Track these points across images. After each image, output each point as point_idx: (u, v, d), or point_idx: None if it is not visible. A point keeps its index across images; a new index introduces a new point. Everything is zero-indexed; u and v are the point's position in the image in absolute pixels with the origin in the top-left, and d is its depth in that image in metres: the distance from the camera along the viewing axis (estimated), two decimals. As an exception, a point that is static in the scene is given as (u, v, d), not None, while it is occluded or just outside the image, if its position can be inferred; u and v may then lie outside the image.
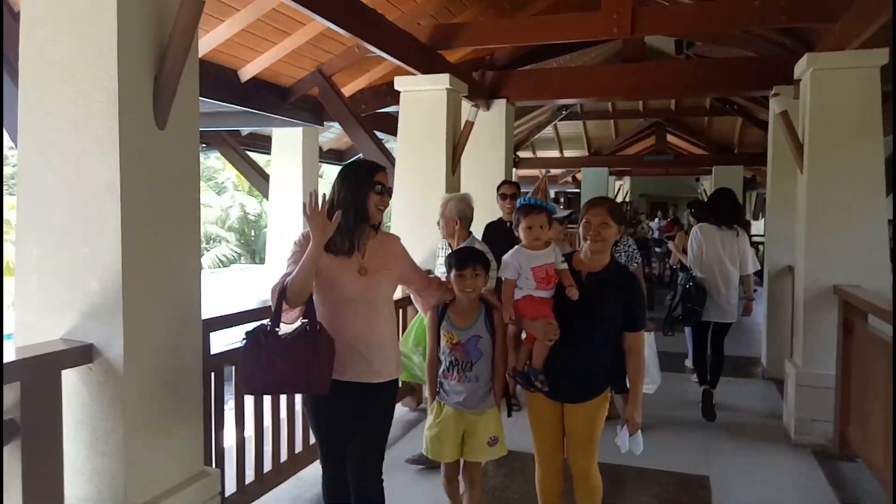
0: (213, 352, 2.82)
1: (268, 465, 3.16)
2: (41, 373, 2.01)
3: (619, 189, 18.43)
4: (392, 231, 5.18)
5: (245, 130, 8.08)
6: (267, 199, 7.52)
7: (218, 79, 4.83)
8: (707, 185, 15.34)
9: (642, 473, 3.68)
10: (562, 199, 10.08)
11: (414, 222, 5.00)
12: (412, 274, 2.59)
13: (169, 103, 2.26)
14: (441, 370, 2.69)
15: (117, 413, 2.17)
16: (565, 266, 2.57)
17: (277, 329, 2.19)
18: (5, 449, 1.92)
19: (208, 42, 4.39)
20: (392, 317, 2.50)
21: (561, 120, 12.82)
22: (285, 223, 7.18)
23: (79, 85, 2.14)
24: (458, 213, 3.70)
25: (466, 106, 5.33)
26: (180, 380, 2.40)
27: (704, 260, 4.72)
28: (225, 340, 3.16)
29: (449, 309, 2.66)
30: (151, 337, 2.25)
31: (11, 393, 1.94)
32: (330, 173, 18.33)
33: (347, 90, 6.03)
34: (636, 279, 2.65)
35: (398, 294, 3.78)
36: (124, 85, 2.11)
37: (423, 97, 5.04)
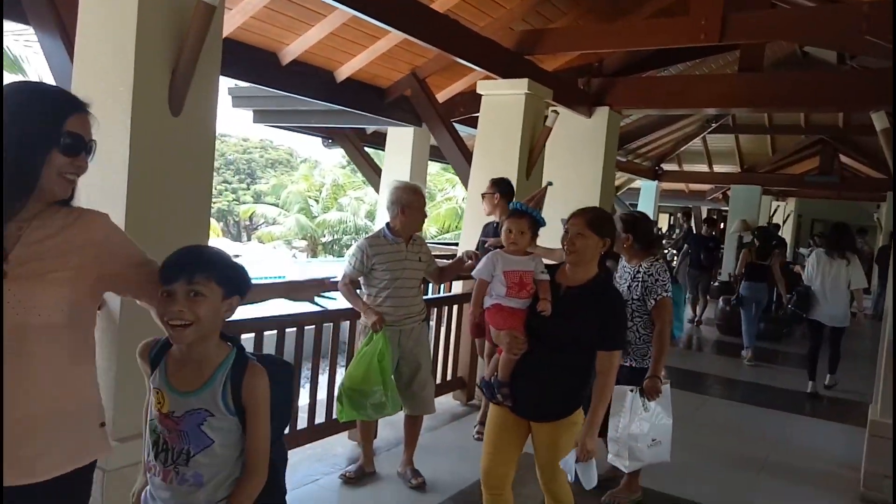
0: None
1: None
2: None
3: (774, 210, 16.91)
4: (462, 237, 5.35)
5: (370, 129, 8.62)
6: (377, 193, 7.98)
7: (313, 78, 5.26)
8: (884, 212, 13.68)
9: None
10: (706, 223, 9.84)
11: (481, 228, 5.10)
12: (132, 274, 1.54)
13: (183, 93, 2.59)
14: (144, 453, 1.63)
15: (112, 355, 2.54)
16: (546, 277, 2.47)
17: None
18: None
19: (300, 45, 4.82)
20: (82, 357, 1.49)
21: (710, 132, 12.10)
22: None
23: (109, 78, 2.54)
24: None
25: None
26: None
27: (815, 278, 6.08)
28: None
29: (168, 355, 1.61)
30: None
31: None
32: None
33: (444, 94, 6.24)
34: (616, 294, 2.51)
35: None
36: (140, 77, 2.47)
37: (501, 101, 5.11)
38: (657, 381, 3.18)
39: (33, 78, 9.18)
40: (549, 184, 2.70)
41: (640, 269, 3.31)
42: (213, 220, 29.02)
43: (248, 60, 4.72)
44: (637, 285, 3.29)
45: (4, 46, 9.59)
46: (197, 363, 1.56)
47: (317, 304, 2.08)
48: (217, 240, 29.05)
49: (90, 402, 1.53)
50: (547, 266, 2.56)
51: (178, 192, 2.67)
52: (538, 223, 2.56)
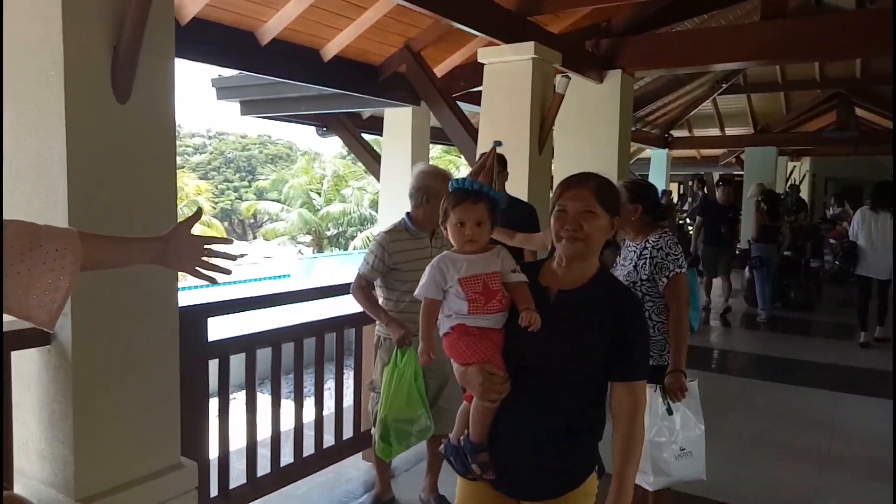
0: (215, 338, 2.73)
1: (264, 470, 2.99)
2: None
3: (791, 171, 16.32)
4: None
5: (366, 114, 8.14)
6: (378, 181, 7.51)
7: (296, 59, 4.78)
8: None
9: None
10: (720, 184, 8.44)
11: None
12: None
13: (130, 75, 2.13)
14: None
15: (69, 398, 2.10)
16: (522, 279, 1.68)
17: None
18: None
19: (279, 21, 4.33)
20: None
21: (721, 94, 11.54)
22: (394, 204, 7.11)
23: (38, 61, 2.07)
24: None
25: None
26: (148, 367, 2.29)
27: (861, 234, 6.49)
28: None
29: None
30: (106, 324, 2.15)
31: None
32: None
33: (442, 68, 5.75)
34: (632, 297, 1.80)
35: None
36: (71, 55, 2.00)
37: (506, 69, 4.62)
38: (681, 377, 2.64)
39: None
40: (497, 143, 1.85)
41: (648, 244, 2.76)
42: (216, 220, 28.86)
43: (224, 42, 4.24)
44: (644, 263, 2.74)
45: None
46: None
47: (203, 277, 1.49)
48: (222, 240, 28.71)
49: None
50: (522, 265, 1.77)
51: (134, 193, 2.21)
52: (498, 205, 1.73)
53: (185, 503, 2.42)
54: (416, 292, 1.71)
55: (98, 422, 2.16)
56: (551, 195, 1.73)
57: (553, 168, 5.32)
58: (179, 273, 1.67)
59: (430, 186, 2.86)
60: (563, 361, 1.63)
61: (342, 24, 4.70)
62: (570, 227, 1.63)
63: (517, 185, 4.51)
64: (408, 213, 2.95)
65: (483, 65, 4.78)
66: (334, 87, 5.24)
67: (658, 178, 13.12)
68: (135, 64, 2.12)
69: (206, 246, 1.47)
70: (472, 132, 5.06)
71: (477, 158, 3.28)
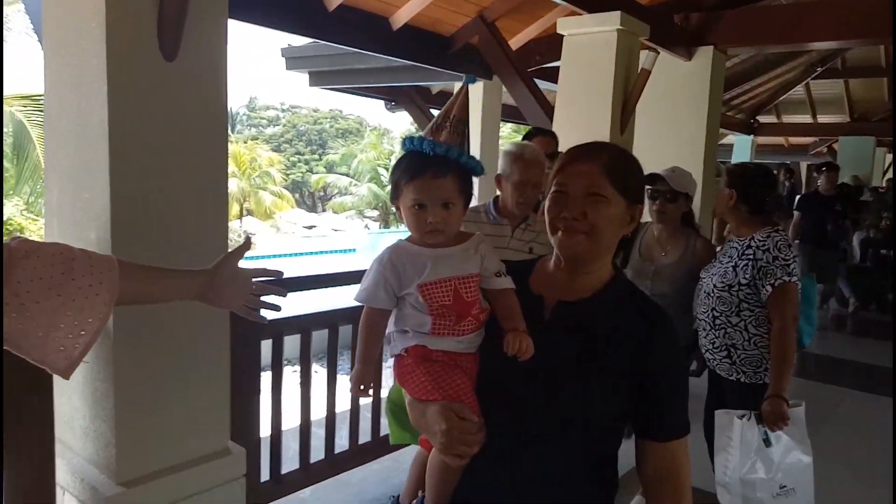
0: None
1: (318, 455, 2.86)
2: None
3: (889, 165, 15.12)
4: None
5: (435, 88, 7.89)
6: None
7: (364, 26, 4.55)
8: None
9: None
10: (824, 169, 7.20)
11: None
12: None
13: (178, 30, 1.95)
14: None
15: (110, 377, 1.98)
16: (508, 284, 1.24)
17: None
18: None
19: (348, -15, 4.13)
20: None
21: (815, 78, 10.72)
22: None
23: (79, 9, 1.91)
24: None
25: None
26: (196, 349, 2.15)
27: None
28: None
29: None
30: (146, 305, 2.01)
31: None
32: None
33: (517, 40, 5.42)
34: (668, 321, 1.25)
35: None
36: (114, 7, 1.83)
37: (588, 41, 4.27)
38: (782, 404, 2.26)
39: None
40: (470, 80, 1.31)
41: (753, 243, 2.40)
42: (287, 191, 29.38)
43: (289, 5, 4.06)
44: (746, 265, 2.37)
45: None
46: None
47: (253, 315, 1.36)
48: (292, 211, 29.38)
49: None
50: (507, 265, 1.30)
51: (181, 159, 2.04)
52: (471, 175, 1.25)
53: (233, 491, 2.29)
54: (355, 296, 1.24)
55: (140, 404, 2.03)
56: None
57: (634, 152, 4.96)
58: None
59: (500, 165, 2.58)
60: (559, 405, 1.16)
61: (414, -11, 4.46)
62: (570, 215, 1.19)
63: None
64: (497, 196, 2.67)
65: (562, 37, 4.44)
66: (403, 57, 5.00)
67: (740, 166, 12.37)
68: (183, 18, 1.94)
69: (254, 280, 1.32)
70: (549, 109, 4.74)
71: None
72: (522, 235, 2.57)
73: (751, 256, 2.38)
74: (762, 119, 12.51)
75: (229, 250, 1.30)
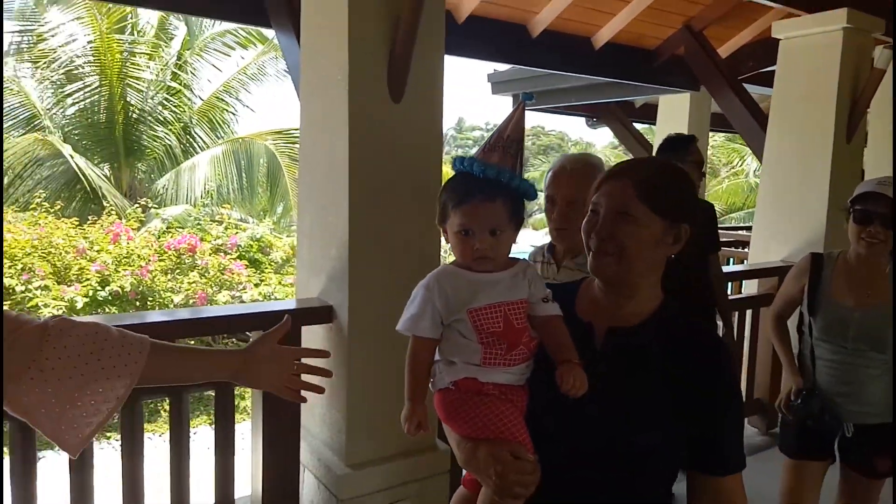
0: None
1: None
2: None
3: None
4: (757, 218, 4.36)
5: (639, 102, 7.79)
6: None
7: (568, 49, 4.68)
8: None
9: None
10: None
11: (783, 211, 4.07)
12: None
13: (404, 76, 2.26)
14: None
15: (343, 372, 2.32)
16: (556, 311, 1.16)
17: None
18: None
19: (551, 11, 4.28)
20: None
21: None
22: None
23: (329, 67, 2.31)
24: None
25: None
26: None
27: None
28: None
29: None
30: (377, 309, 2.32)
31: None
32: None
33: (727, 48, 5.17)
34: (725, 351, 1.18)
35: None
36: (355, 60, 2.19)
37: (807, 43, 3.97)
38: None
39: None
40: (527, 97, 1.25)
41: None
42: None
43: (497, 37, 4.34)
44: None
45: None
46: None
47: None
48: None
49: None
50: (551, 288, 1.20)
51: (401, 187, 2.35)
52: (524, 199, 1.17)
53: (438, 484, 2.53)
54: (399, 325, 1.16)
55: (367, 396, 2.35)
56: None
57: (864, 159, 4.49)
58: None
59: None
60: (614, 440, 1.10)
61: (616, 7, 4.49)
62: (598, 236, 1.13)
63: (816, 181, 3.89)
64: None
65: (777, 41, 4.19)
66: (606, 75, 5.05)
67: None
68: (409, 62, 2.25)
69: (295, 360, 1.26)
70: (761, 118, 4.48)
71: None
72: (562, 274, 1.94)
73: None
74: None
75: (267, 330, 1.26)
